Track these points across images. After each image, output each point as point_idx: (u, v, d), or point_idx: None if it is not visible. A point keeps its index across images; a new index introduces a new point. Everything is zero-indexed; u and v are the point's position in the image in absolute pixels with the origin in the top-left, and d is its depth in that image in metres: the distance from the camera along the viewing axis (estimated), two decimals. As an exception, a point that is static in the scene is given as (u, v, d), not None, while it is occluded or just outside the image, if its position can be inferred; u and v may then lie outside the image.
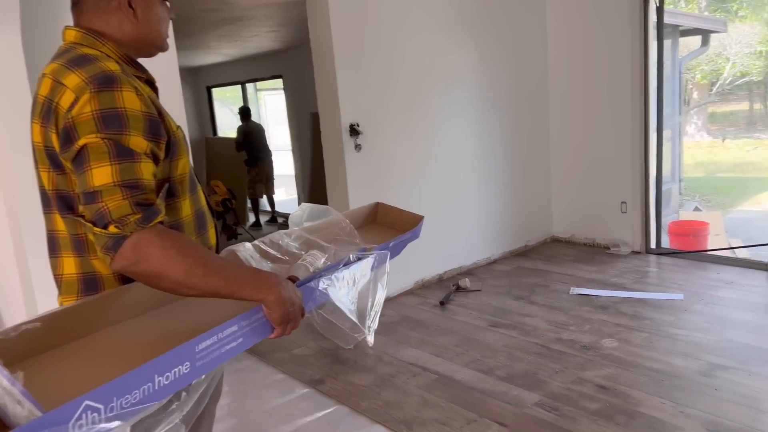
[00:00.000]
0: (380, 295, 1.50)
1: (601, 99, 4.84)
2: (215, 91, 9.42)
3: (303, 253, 1.44)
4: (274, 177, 7.75)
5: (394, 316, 3.88)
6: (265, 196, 7.84)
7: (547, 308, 3.80)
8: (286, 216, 7.11)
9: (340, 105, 3.87)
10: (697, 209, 7.28)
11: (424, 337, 3.50)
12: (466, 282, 4.28)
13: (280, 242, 1.46)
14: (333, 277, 1.36)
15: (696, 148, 11.16)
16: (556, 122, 5.23)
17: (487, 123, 4.76)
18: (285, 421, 2.73)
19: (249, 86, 9.14)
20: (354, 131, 3.90)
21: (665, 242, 5.11)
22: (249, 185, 7.62)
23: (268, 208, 7.94)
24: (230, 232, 6.69)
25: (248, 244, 1.42)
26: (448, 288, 4.30)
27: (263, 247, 1.44)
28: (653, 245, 4.83)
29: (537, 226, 5.32)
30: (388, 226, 1.88)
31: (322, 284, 1.33)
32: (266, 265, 1.39)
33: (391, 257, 1.58)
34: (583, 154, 5.09)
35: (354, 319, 1.42)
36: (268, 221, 7.91)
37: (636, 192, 4.75)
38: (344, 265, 1.40)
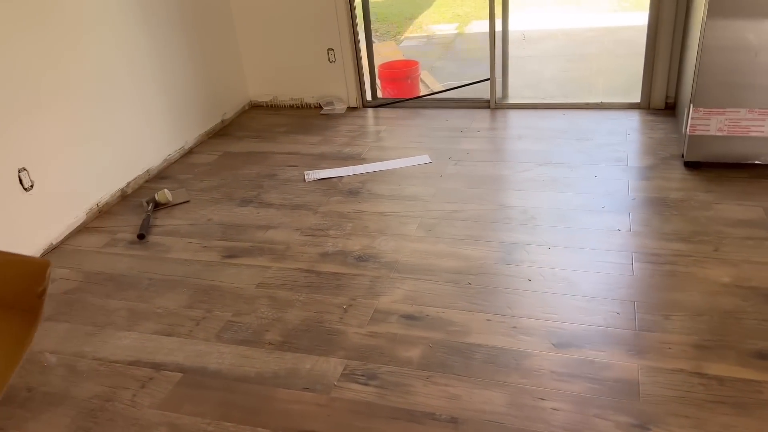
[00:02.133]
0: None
1: None
2: None
3: None
4: None
5: (73, 277, 2.52)
6: None
7: (288, 210, 2.90)
8: None
9: None
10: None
11: (134, 305, 2.30)
12: (165, 194, 3.05)
13: None
14: None
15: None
16: (228, -50, 3.91)
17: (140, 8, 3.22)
18: None
19: None
20: None
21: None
22: None
23: None
24: None
25: None
26: (141, 208, 3.02)
27: None
28: (368, 97, 4.20)
29: (231, 95, 4.17)
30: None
31: None
32: None
33: None
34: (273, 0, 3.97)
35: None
36: None
37: (345, 34, 3.93)
38: None
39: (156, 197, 3.03)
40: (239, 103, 4.24)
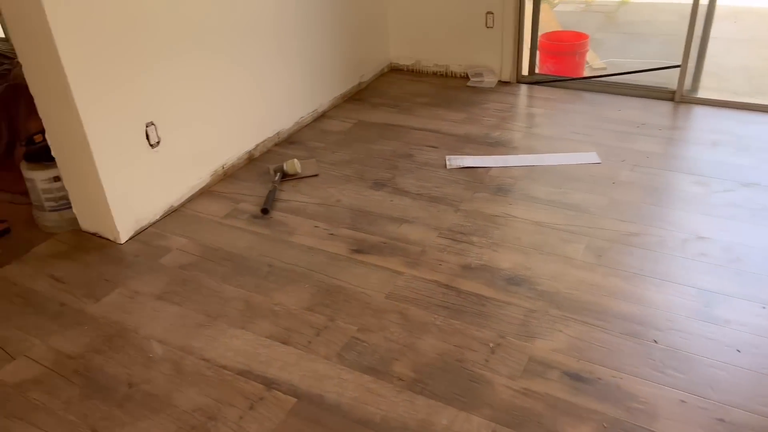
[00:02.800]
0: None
1: None
2: None
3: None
4: None
5: (190, 250, 2.31)
6: None
7: (425, 202, 2.52)
8: None
9: None
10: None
11: (250, 295, 2.04)
12: (294, 165, 2.77)
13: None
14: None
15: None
16: None
17: None
18: None
19: None
20: None
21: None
22: None
23: None
24: None
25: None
26: (267, 177, 2.77)
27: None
28: (525, 71, 3.67)
29: (371, 56, 3.80)
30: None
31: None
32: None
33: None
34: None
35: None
36: None
37: (507, -2, 3.41)
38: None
39: (284, 167, 2.76)
40: (378, 65, 3.87)
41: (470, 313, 1.90)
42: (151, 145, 2.40)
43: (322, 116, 3.37)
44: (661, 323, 1.81)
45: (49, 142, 2.29)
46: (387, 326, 1.87)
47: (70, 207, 2.48)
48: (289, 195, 2.64)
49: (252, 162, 2.93)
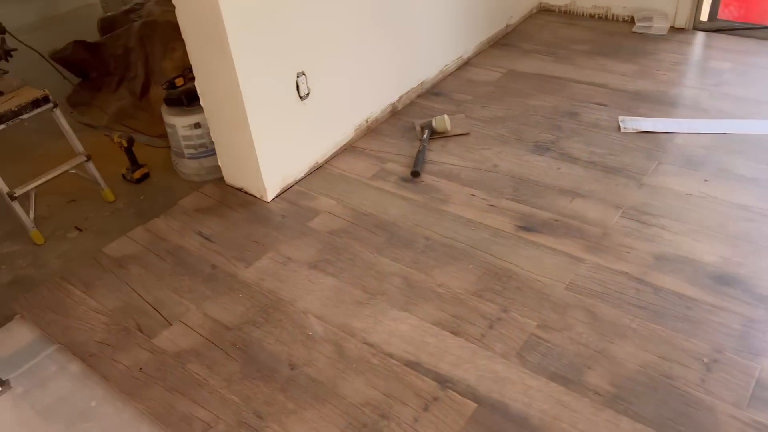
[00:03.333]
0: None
1: None
2: None
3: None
4: None
5: (340, 213, 2.14)
6: None
7: (600, 172, 2.19)
8: None
9: None
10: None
11: (409, 272, 1.85)
12: (444, 121, 2.51)
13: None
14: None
15: None
16: None
17: None
18: None
19: None
20: None
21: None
22: None
23: None
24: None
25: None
26: (412, 133, 2.53)
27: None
28: (704, 16, 3.15)
29: (522, -7, 3.40)
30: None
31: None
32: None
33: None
34: None
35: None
36: None
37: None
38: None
39: (433, 123, 2.51)
40: (528, 4, 3.46)
41: (673, 317, 1.62)
42: (300, 97, 2.21)
43: (466, 64, 3.06)
44: None
45: (199, 90, 2.16)
46: (572, 325, 1.63)
47: (210, 155, 2.38)
48: (438, 156, 2.40)
49: (395, 115, 2.70)
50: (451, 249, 1.93)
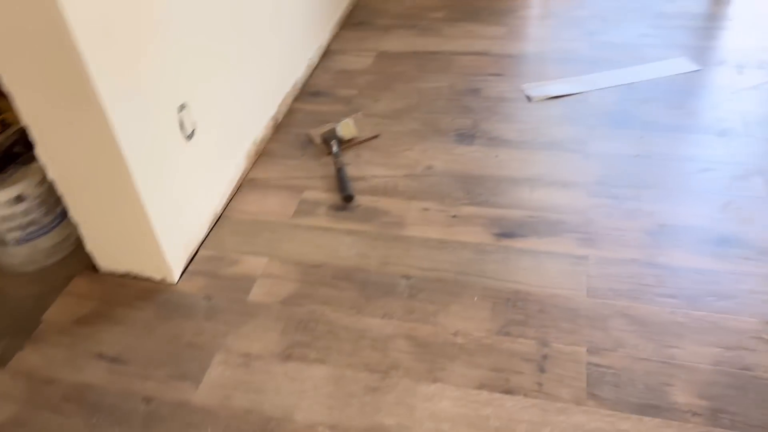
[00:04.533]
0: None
1: None
2: None
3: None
4: None
5: (277, 272, 1.68)
6: None
7: (540, 151, 2.00)
8: None
9: None
10: None
11: (407, 327, 1.48)
12: (349, 126, 2.11)
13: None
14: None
15: None
16: None
17: None
18: None
19: None
20: None
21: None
22: None
23: None
24: None
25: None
26: (311, 147, 2.10)
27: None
28: (540, -34, 3.13)
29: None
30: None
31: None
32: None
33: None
34: None
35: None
36: None
37: None
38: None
39: (338, 132, 2.11)
40: (362, -25, 3.14)
41: (708, 297, 1.51)
42: (187, 137, 1.66)
43: (329, 52, 2.67)
44: None
45: (43, 158, 1.49)
46: (622, 339, 1.44)
47: (45, 233, 1.74)
48: (358, 169, 2.02)
49: (280, 129, 2.23)
50: (441, 283, 1.61)
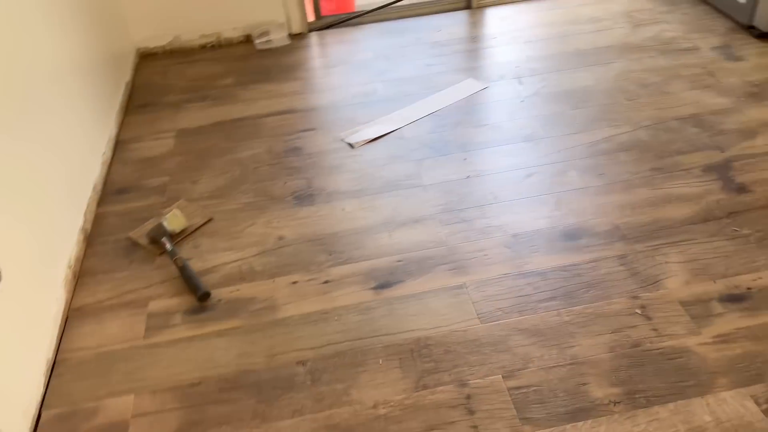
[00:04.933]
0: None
1: None
2: None
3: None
4: None
5: (151, 407, 1.41)
6: None
7: (381, 195, 2.00)
8: None
9: None
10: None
11: (330, 417, 1.35)
12: (178, 218, 1.89)
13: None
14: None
15: None
16: None
17: None
18: None
19: None
20: None
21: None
22: None
23: None
24: None
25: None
26: (139, 251, 1.85)
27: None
28: (311, 17, 3.19)
29: (112, 46, 2.84)
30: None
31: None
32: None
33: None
34: None
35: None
36: None
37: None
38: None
39: (165, 226, 1.88)
40: (124, 57, 2.89)
41: (579, 290, 1.62)
42: (-7, 286, 1.34)
43: (120, 142, 2.40)
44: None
45: None
46: (526, 354, 1.47)
47: None
48: (204, 261, 1.83)
49: (93, 241, 1.93)
50: (340, 357, 1.50)
